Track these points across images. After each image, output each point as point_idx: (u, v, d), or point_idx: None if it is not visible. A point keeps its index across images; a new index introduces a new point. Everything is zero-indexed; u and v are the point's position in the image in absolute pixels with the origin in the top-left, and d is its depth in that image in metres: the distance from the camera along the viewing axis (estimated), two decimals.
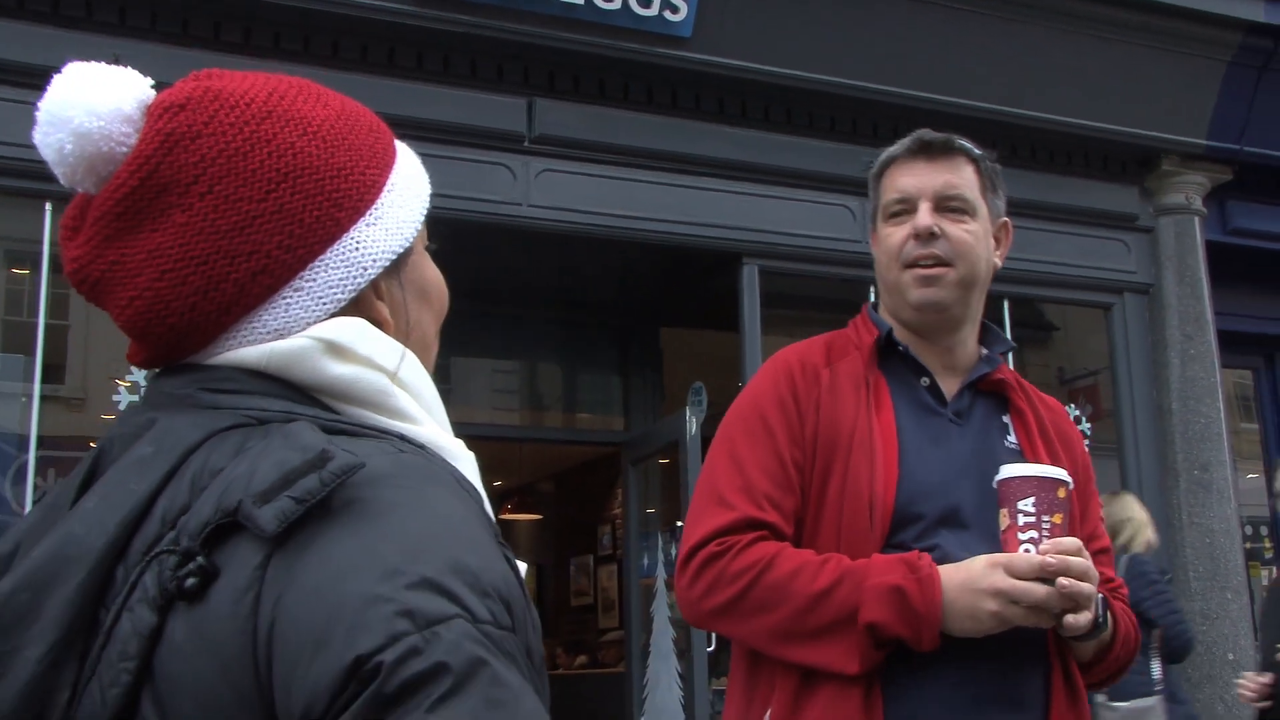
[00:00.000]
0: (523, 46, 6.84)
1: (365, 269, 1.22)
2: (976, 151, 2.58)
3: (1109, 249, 8.49)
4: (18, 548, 1.17)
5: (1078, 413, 8.62)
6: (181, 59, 6.09)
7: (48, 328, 6.14)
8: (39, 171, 5.12)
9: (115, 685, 1.01)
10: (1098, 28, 7.97)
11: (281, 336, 1.18)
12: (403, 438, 1.16)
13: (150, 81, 1.24)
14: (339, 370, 1.17)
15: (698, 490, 2.43)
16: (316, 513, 1.01)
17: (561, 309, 9.20)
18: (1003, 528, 2.17)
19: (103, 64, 1.24)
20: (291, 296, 1.19)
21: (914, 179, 2.50)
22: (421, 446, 1.17)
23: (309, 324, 1.19)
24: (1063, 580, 2.11)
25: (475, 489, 1.17)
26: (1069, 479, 2.22)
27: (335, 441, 1.07)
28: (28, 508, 6.01)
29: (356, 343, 1.18)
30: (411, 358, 1.24)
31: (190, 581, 1.01)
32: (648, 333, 9.29)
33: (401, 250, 1.27)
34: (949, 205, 2.49)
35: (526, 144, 6.99)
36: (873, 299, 2.66)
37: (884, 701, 2.17)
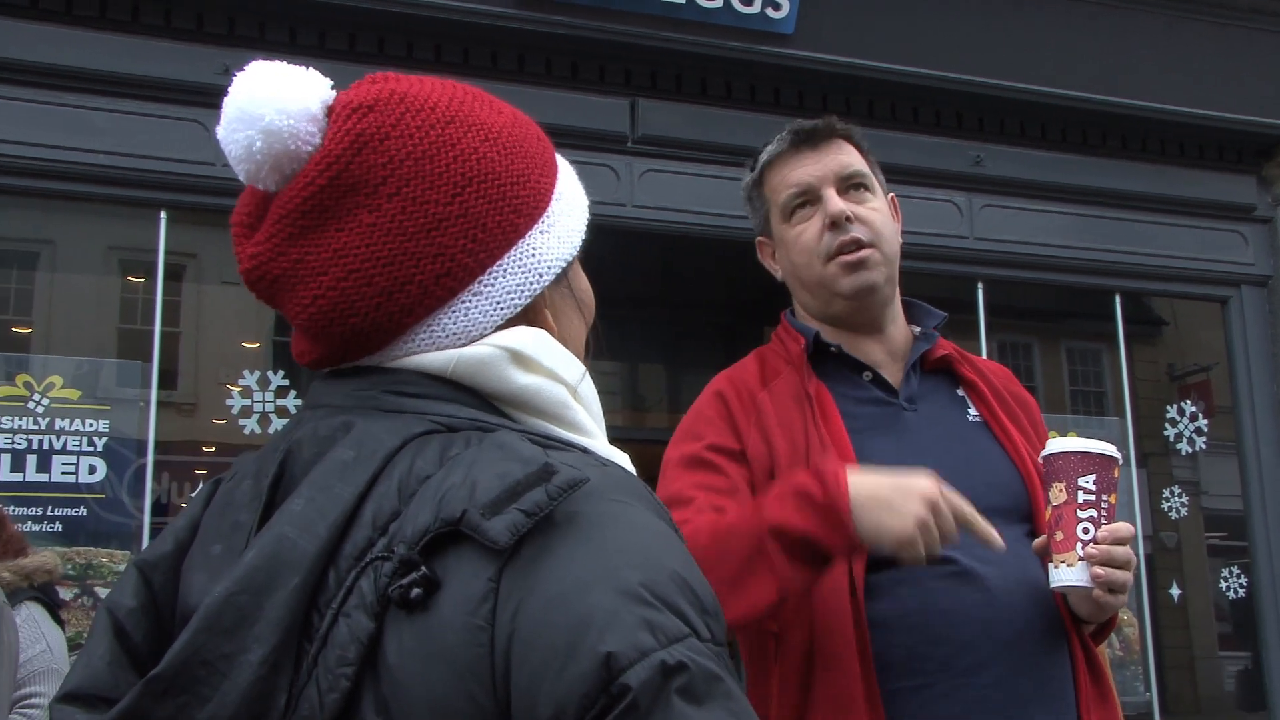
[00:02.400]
0: (624, 47, 6.85)
1: (541, 275, 1.24)
2: (854, 130, 2.45)
3: (1225, 240, 8.29)
4: (179, 546, 1.19)
5: (1194, 409, 8.44)
6: None
7: (161, 335, 6.27)
8: (154, 181, 5.25)
9: (334, 690, 1.02)
10: (1209, 11, 7.79)
11: (459, 341, 1.19)
12: (585, 451, 1.17)
13: (330, 83, 1.26)
14: (524, 380, 1.18)
15: None
16: (542, 525, 1.03)
17: (665, 309, 9.20)
18: (1056, 502, 2.12)
19: (285, 63, 1.26)
20: (470, 301, 1.20)
21: (807, 169, 2.38)
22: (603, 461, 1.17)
23: (486, 329, 1.20)
24: (1097, 570, 2.06)
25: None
26: (1120, 457, 2.17)
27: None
28: (146, 511, 6.14)
29: (540, 353, 1.20)
30: (583, 369, 1.26)
31: (416, 592, 1.02)
32: (752, 332, 9.24)
33: (571, 259, 1.29)
34: (851, 185, 2.39)
35: (630, 144, 6.99)
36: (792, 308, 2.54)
37: (930, 703, 2.09)
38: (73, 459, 6.13)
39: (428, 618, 1.02)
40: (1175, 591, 8.20)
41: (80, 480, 6.12)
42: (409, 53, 6.57)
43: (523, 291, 1.22)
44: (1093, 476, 2.10)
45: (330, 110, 1.22)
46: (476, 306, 1.20)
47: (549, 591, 1.01)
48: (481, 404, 1.18)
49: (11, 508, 5.85)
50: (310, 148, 1.20)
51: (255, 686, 1.02)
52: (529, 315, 1.24)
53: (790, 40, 6.99)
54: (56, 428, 6.13)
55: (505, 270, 1.22)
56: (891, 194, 2.49)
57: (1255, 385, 8.19)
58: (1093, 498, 2.10)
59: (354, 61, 6.39)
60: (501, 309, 1.21)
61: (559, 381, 1.21)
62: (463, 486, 1.05)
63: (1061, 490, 2.12)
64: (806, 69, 7.12)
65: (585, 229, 1.33)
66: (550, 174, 1.31)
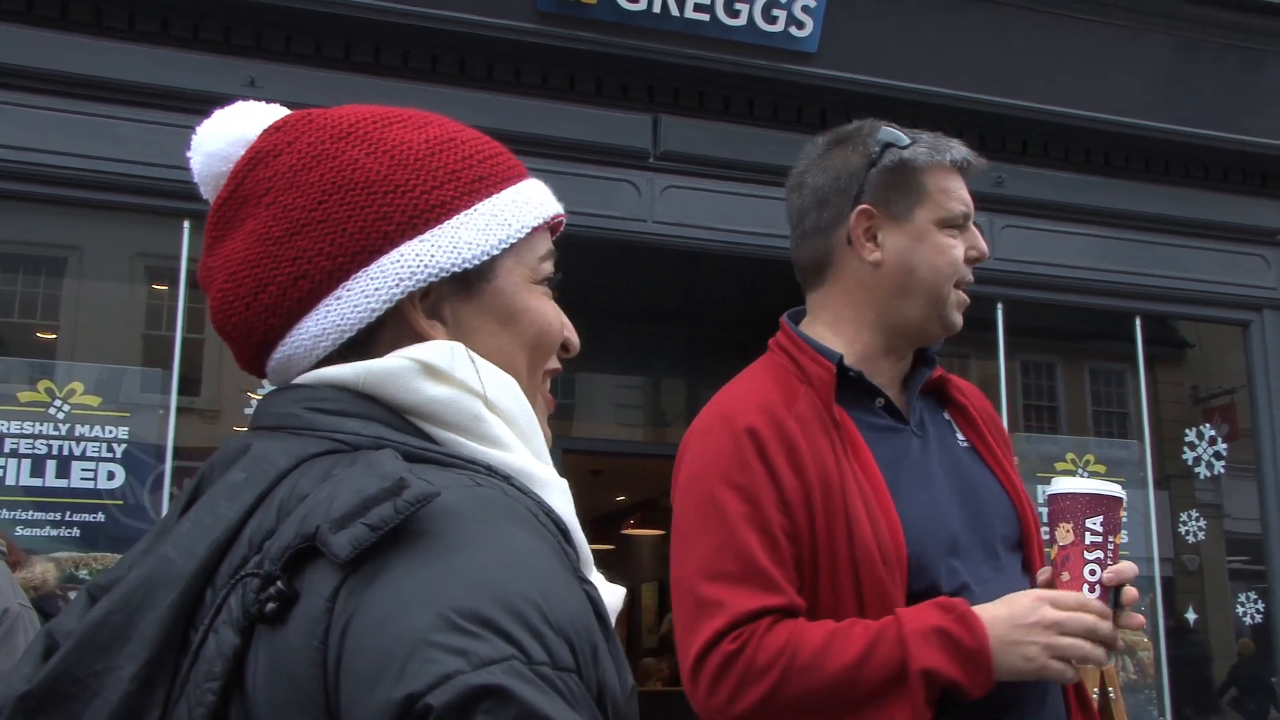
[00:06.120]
0: (647, 63, 6.87)
1: (401, 280, 1.21)
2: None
3: (1247, 264, 8.27)
4: (130, 571, 1.20)
5: (1213, 432, 8.41)
6: (315, 80, 6.22)
7: (185, 341, 6.31)
8: (178, 190, 5.28)
9: (201, 705, 1.03)
10: (1234, 36, 7.77)
11: (322, 343, 1.22)
12: (489, 467, 1.15)
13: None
14: (434, 392, 1.17)
15: (679, 588, 2.29)
16: (389, 542, 1.01)
17: (685, 324, 9.21)
18: (1063, 543, 2.11)
19: (255, 103, 1.34)
20: (332, 304, 1.22)
21: (967, 196, 2.40)
22: (508, 476, 1.16)
23: (345, 330, 1.22)
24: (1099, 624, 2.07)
25: (557, 522, 1.15)
26: (1125, 497, 2.18)
27: (416, 470, 1.06)
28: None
29: (452, 365, 1.18)
30: (509, 382, 1.23)
31: (270, 606, 1.02)
32: None
33: (457, 270, 1.24)
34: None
35: (651, 160, 7.01)
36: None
37: None
38: (92, 465, 6.17)
39: (280, 635, 1.02)
40: (1192, 616, 8.15)
41: (99, 486, 6.15)
42: (433, 67, 6.60)
43: (379, 295, 1.21)
44: (1100, 518, 2.09)
45: None
46: (336, 309, 1.21)
47: (373, 612, 0.99)
48: (397, 420, 1.17)
49: (31, 513, 5.90)
50: None
51: (126, 702, 1.04)
52: (401, 322, 1.23)
53: (813, 59, 7.01)
54: (76, 434, 6.17)
55: (369, 275, 1.21)
56: None
57: (1275, 409, 8.16)
58: (1100, 539, 2.09)
59: (379, 75, 6.44)
60: (357, 311, 1.21)
61: (472, 394, 1.18)
62: (325, 502, 1.05)
63: (1069, 531, 2.11)
64: (829, 87, 7.13)
65: (501, 249, 1.27)
66: (463, 192, 1.26)
